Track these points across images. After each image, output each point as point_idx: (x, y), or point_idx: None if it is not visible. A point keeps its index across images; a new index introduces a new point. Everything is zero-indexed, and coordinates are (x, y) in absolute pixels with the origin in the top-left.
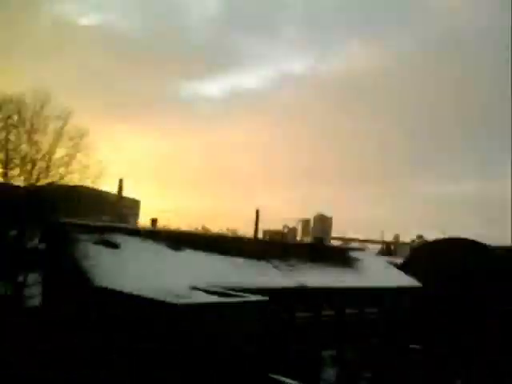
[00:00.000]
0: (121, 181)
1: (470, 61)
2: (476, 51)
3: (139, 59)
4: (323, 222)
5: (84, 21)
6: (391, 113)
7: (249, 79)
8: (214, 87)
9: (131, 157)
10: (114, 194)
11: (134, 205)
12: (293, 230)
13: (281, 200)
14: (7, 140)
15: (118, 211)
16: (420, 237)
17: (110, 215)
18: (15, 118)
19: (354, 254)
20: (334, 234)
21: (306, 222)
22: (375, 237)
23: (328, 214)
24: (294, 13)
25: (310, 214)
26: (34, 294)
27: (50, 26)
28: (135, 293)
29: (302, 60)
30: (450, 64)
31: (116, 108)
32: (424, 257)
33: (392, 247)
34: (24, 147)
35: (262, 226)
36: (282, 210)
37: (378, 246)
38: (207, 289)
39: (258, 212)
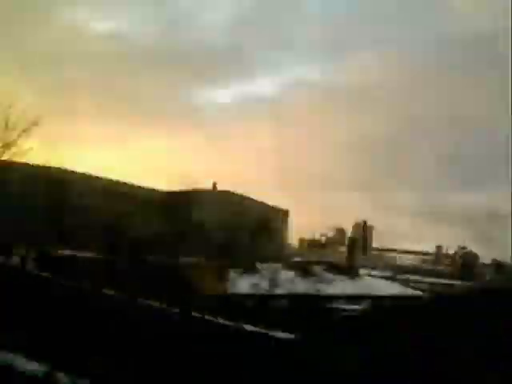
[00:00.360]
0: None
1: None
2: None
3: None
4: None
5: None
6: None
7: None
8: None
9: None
10: (256, 201)
11: (280, 215)
12: (331, 240)
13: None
14: None
15: (266, 223)
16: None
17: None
18: None
19: None
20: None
21: (340, 231)
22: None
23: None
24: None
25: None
26: None
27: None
28: None
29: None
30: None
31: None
32: None
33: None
34: None
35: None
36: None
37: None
38: None
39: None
